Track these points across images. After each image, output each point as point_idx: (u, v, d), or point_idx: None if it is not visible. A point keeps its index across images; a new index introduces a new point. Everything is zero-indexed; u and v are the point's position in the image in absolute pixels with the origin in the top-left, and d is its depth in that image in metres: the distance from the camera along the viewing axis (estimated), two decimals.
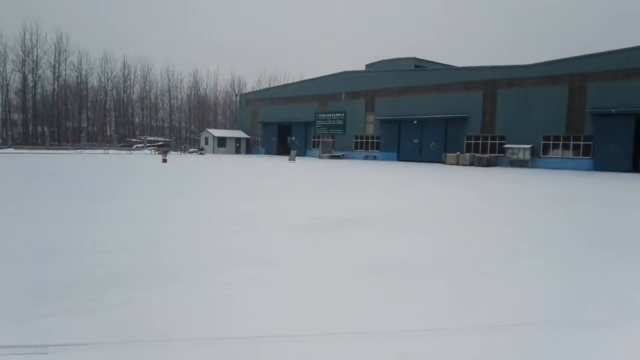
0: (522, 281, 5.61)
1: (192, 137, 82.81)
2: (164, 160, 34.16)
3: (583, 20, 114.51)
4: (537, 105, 37.67)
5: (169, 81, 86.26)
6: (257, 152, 63.12)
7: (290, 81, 78.92)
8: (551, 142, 37.38)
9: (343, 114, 52.65)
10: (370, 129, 50.26)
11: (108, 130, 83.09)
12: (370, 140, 50.37)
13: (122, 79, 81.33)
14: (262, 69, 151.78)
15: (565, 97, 36.27)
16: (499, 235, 8.67)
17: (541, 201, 14.63)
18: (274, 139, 61.12)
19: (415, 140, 45.66)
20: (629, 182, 24.10)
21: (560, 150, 37.00)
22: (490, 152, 40.64)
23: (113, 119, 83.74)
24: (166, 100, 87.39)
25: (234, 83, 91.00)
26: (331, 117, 53.88)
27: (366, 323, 4.15)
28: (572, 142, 36.40)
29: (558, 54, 79.55)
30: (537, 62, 38.29)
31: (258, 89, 79.81)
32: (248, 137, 64.32)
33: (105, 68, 79.16)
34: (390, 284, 5.32)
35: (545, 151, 37.67)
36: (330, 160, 46.95)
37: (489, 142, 40.92)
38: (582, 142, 35.90)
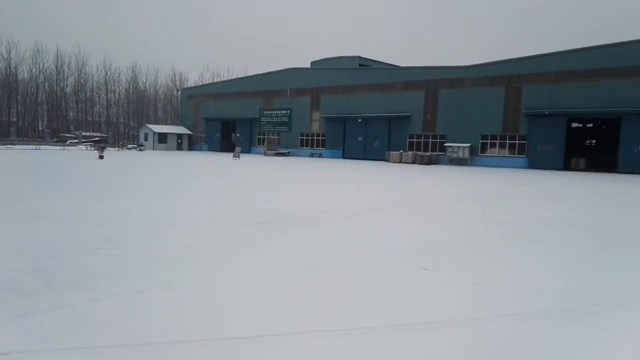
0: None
1: (130, 132, 79.71)
2: (101, 157, 32.61)
3: (518, 19, 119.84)
4: (475, 106, 38.96)
5: (106, 74, 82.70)
6: (200, 149, 61.65)
7: (234, 77, 77.67)
8: (489, 141, 38.80)
9: (288, 111, 52.35)
10: (315, 127, 50.26)
11: (40, 124, 78.50)
12: (315, 138, 50.37)
13: (55, 71, 77.12)
14: (204, 64, 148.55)
15: (502, 97, 37.74)
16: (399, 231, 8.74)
17: (444, 199, 15.01)
18: (217, 135, 59.90)
19: (360, 139, 46.09)
20: (550, 179, 25.31)
21: (497, 149, 38.48)
22: (431, 151, 41.65)
23: (45, 113, 79.17)
24: (103, 94, 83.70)
25: (175, 77, 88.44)
26: (276, 114, 53.44)
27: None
28: (508, 142, 37.94)
29: (499, 55, 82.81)
30: (477, 63, 39.59)
31: (201, 83, 77.97)
32: (190, 133, 62.69)
33: (36, 59, 74.70)
34: (326, 278, 5.15)
35: (483, 150, 39.05)
36: (276, 157, 46.53)
37: (431, 140, 41.94)
38: (517, 142, 37.48)
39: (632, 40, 32.70)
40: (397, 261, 6.39)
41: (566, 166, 35.49)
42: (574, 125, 38.98)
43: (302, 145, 51.40)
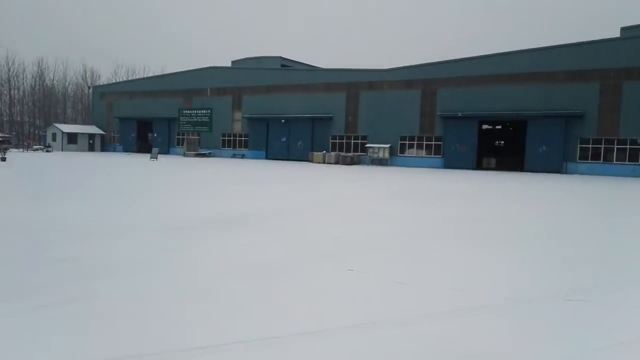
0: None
1: (37, 132, 74.03)
2: (3, 159, 29.97)
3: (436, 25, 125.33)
4: (394, 108, 40.19)
5: (9, 70, 76.19)
6: (114, 150, 58.51)
7: (151, 74, 74.55)
8: (407, 142, 40.18)
9: (209, 111, 51.05)
10: (238, 127, 49.43)
11: None
12: (238, 139, 49.55)
13: None
14: (119, 61, 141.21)
15: (419, 100, 39.24)
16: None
17: (369, 198, 15.42)
18: (133, 135, 57.14)
19: (284, 139, 45.93)
20: (465, 177, 26.71)
21: (415, 149, 39.94)
22: (354, 151, 42.42)
23: None
24: (5, 92, 77.01)
25: (86, 74, 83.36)
26: (196, 113, 51.92)
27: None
28: (425, 142, 39.50)
29: (423, 58, 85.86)
30: (393, 67, 40.87)
31: (115, 81, 74.04)
32: (103, 133, 59.31)
33: None
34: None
35: (402, 150, 40.38)
36: (196, 158, 45.18)
37: (352, 141, 42.70)
38: (433, 142, 39.12)
39: (536, 48, 35.24)
40: (323, 263, 6.29)
41: (478, 165, 37.56)
42: (485, 127, 41.40)
43: (224, 146, 50.35)
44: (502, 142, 44.74)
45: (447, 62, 38.49)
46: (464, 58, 37.96)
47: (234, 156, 48.78)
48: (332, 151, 42.91)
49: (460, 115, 37.14)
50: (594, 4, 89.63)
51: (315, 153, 42.39)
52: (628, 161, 32.48)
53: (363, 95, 41.84)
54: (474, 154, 37.13)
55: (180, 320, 4.32)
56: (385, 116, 40.70)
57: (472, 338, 4.00)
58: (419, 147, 39.80)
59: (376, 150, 40.63)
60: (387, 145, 40.20)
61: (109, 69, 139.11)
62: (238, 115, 49.14)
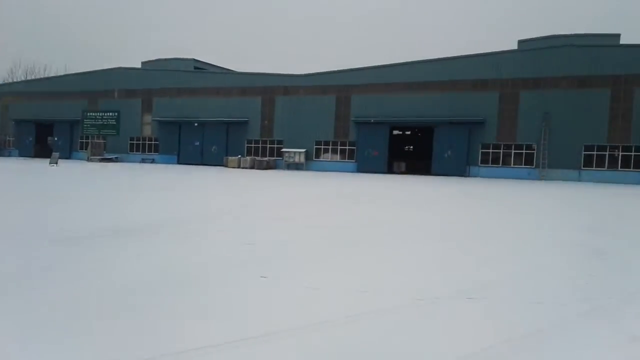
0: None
1: None
2: None
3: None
4: (310, 113, 40.48)
5: None
6: (9, 155, 53.71)
7: (52, 74, 69.49)
8: (322, 147, 40.60)
9: (116, 114, 48.41)
10: (147, 130, 47.30)
11: None
12: (147, 142, 47.39)
13: None
14: (16, 60, 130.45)
15: (333, 105, 39.83)
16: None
17: (280, 203, 15.37)
18: (30, 139, 52.79)
19: (197, 143, 44.59)
20: (379, 182, 27.45)
21: (330, 154, 40.44)
22: (269, 156, 42.11)
23: None
24: None
25: None
26: (102, 116, 49.02)
27: None
28: (339, 147, 40.13)
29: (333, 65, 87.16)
30: (309, 73, 41.22)
31: (10, 81, 68.18)
32: None
33: None
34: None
35: (318, 155, 40.72)
36: (102, 163, 42.55)
37: (268, 146, 42.41)
38: (347, 147, 39.85)
39: (443, 58, 37.14)
40: (236, 270, 5.95)
41: (389, 170, 38.74)
42: (395, 132, 42.85)
43: (132, 150, 47.94)
44: (412, 147, 46.58)
45: (361, 69, 39.43)
46: (377, 66, 39.11)
47: (142, 161, 46.55)
48: (247, 156, 42.31)
49: (372, 121, 38.13)
50: (493, 16, 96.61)
51: (230, 157, 41.58)
52: (524, 164, 34.99)
53: (279, 100, 41.73)
54: (385, 159, 38.24)
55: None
56: (301, 121, 40.87)
57: (374, 340, 3.88)
58: (334, 151, 40.36)
59: (292, 155, 40.63)
60: (303, 150, 40.35)
61: (4, 68, 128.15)
62: (148, 118, 47.06)
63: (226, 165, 41.33)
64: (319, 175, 33.26)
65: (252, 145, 43.00)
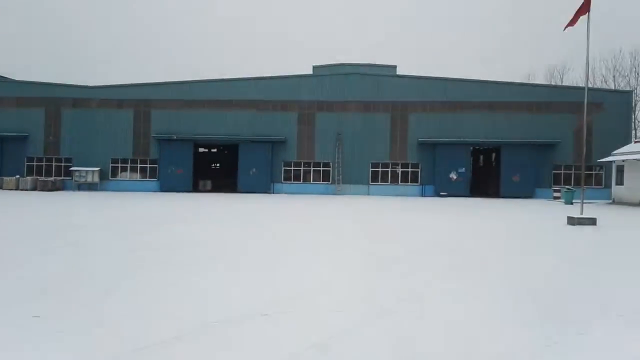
0: None
1: None
2: None
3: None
4: (104, 128, 37.28)
5: None
6: None
7: None
8: (119, 165, 37.64)
9: None
10: None
11: None
12: None
13: None
14: None
15: (131, 121, 37.33)
16: None
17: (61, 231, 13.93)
18: None
19: None
20: (170, 200, 26.55)
21: (128, 172, 37.69)
22: (56, 175, 37.41)
23: None
24: None
25: None
26: None
27: None
28: (139, 165, 37.68)
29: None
30: (103, 85, 38.03)
31: None
32: None
33: None
34: None
35: (114, 174, 37.61)
36: None
37: (54, 164, 37.68)
38: (148, 165, 37.65)
39: (247, 78, 37.81)
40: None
41: (195, 188, 37.73)
42: (201, 150, 42.04)
43: None
44: (219, 164, 46.26)
45: (163, 84, 37.85)
46: (181, 81, 38.00)
47: None
48: (27, 175, 36.92)
49: (175, 137, 36.76)
50: (290, 40, 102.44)
51: (5, 178, 35.82)
52: (322, 181, 37.45)
53: (66, 113, 37.50)
54: (190, 177, 37.14)
55: None
56: (94, 137, 37.33)
57: None
58: (133, 170, 37.75)
59: (84, 174, 36.77)
60: (97, 169, 36.83)
61: None
62: None
63: (1, 187, 35.51)
64: (117, 195, 30.59)
65: (34, 163, 37.69)
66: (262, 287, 6.65)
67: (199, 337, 4.55)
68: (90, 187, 36.79)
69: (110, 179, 37.43)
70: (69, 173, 37.19)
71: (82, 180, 36.72)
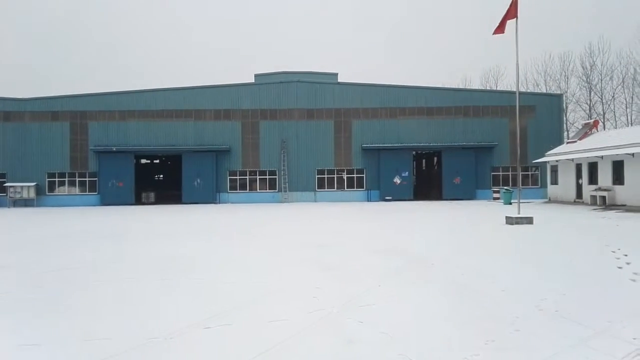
0: None
1: None
2: None
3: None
4: (39, 141, 36.00)
5: None
6: None
7: None
8: (57, 179, 36.40)
9: None
10: None
11: None
12: None
13: None
14: None
15: (68, 133, 36.17)
16: None
17: None
18: None
19: None
20: (108, 215, 25.87)
21: (66, 187, 36.48)
22: None
23: None
24: None
25: None
26: None
27: None
28: (77, 179, 36.54)
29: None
30: (36, 97, 36.71)
31: None
32: None
33: None
34: None
35: (52, 189, 36.33)
36: None
37: None
38: (87, 179, 36.55)
39: (187, 87, 37.23)
40: None
41: (137, 200, 36.86)
42: (143, 161, 41.11)
43: None
44: (162, 175, 45.36)
45: (100, 95, 36.89)
46: (118, 92, 37.13)
47: None
48: None
49: (115, 149, 35.84)
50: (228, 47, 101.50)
51: None
52: (269, 189, 37.31)
53: (0, 126, 35.97)
54: (131, 189, 36.25)
55: None
56: (29, 151, 35.97)
57: None
58: (72, 184, 36.55)
59: (19, 190, 35.33)
60: (33, 184, 35.47)
61: None
62: None
63: None
64: (54, 211, 29.45)
65: None
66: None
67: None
68: (27, 203, 35.41)
69: (47, 194, 36.12)
70: (3, 189, 35.64)
71: (18, 196, 35.28)
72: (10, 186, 35.29)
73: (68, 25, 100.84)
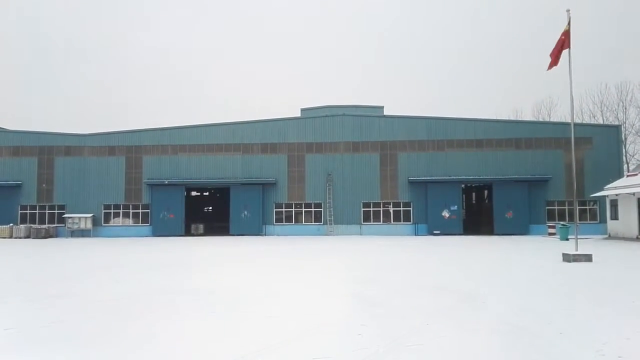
0: None
1: None
2: None
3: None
4: (96, 174, 37.71)
5: None
6: None
7: None
8: (112, 211, 37.80)
9: None
10: None
11: None
12: None
13: None
14: None
15: (123, 167, 37.72)
16: None
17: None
18: None
19: None
20: (171, 245, 26.43)
21: (121, 218, 37.79)
22: (49, 223, 37.58)
23: None
24: None
25: None
26: None
27: None
28: (131, 211, 37.81)
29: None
30: (95, 132, 38.67)
31: None
32: None
33: None
34: None
35: (107, 220, 37.73)
36: None
37: (47, 212, 37.90)
38: (140, 210, 37.76)
39: (233, 122, 38.24)
40: None
41: (187, 232, 37.67)
42: (193, 193, 42.18)
43: None
44: (211, 207, 46.30)
45: (153, 130, 38.42)
46: (171, 127, 38.59)
47: None
48: (21, 224, 37.13)
49: (167, 182, 37.00)
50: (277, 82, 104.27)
51: None
52: (314, 222, 37.27)
53: (59, 160, 37.98)
54: (181, 221, 37.13)
55: None
56: (86, 183, 37.69)
57: None
58: (125, 215, 37.86)
59: (77, 221, 36.91)
60: (90, 215, 36.99)
61: None
62: None
63: None
64: (109, 242, 30.48)
65: (28, 211, 37.95)
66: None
67: None
68: (84, 233, 36.89)
69: (103, 224, 37.52)
70: (62, 220, 37.33)
71: (75, 227, 36.82)
72: (69, 217, 36.92)
73: (152, 66, 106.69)
